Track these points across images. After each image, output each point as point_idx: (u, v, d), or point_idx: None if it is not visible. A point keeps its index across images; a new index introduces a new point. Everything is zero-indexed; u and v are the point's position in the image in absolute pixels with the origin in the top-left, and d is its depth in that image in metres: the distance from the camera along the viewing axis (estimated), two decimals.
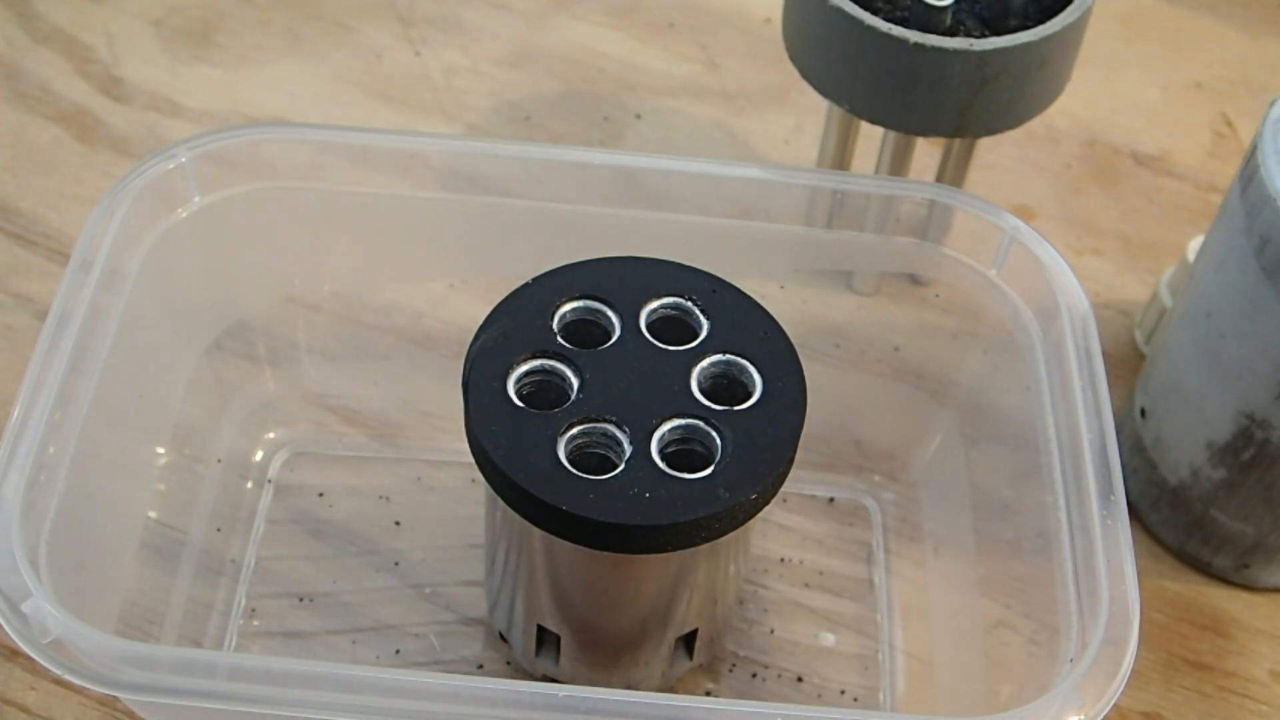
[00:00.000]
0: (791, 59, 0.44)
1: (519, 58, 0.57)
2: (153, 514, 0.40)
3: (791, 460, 0.34)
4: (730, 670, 0.41)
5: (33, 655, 0.31)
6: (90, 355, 0.36)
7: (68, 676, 0.31)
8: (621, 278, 0.37)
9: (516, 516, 0.34)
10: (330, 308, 0.45)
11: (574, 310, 0.36)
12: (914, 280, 0.44)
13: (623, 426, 0.34)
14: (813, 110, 0.55)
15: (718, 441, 0.34)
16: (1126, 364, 0.49)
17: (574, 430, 0.34)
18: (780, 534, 0.44)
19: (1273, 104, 0.38)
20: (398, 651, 0.41)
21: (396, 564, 0.43)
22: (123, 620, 0.37)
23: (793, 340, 0.36)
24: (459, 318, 0.46)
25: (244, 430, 0.45)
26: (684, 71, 0.57)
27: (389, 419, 0.46)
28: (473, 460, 0.34)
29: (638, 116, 0.55)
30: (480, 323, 0.36)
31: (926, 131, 0.43)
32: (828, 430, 0.44)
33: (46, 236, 0.50)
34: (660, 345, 0.36)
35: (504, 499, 0.34)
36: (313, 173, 0.40)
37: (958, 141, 0.46)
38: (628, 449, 0.33)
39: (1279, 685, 0.43)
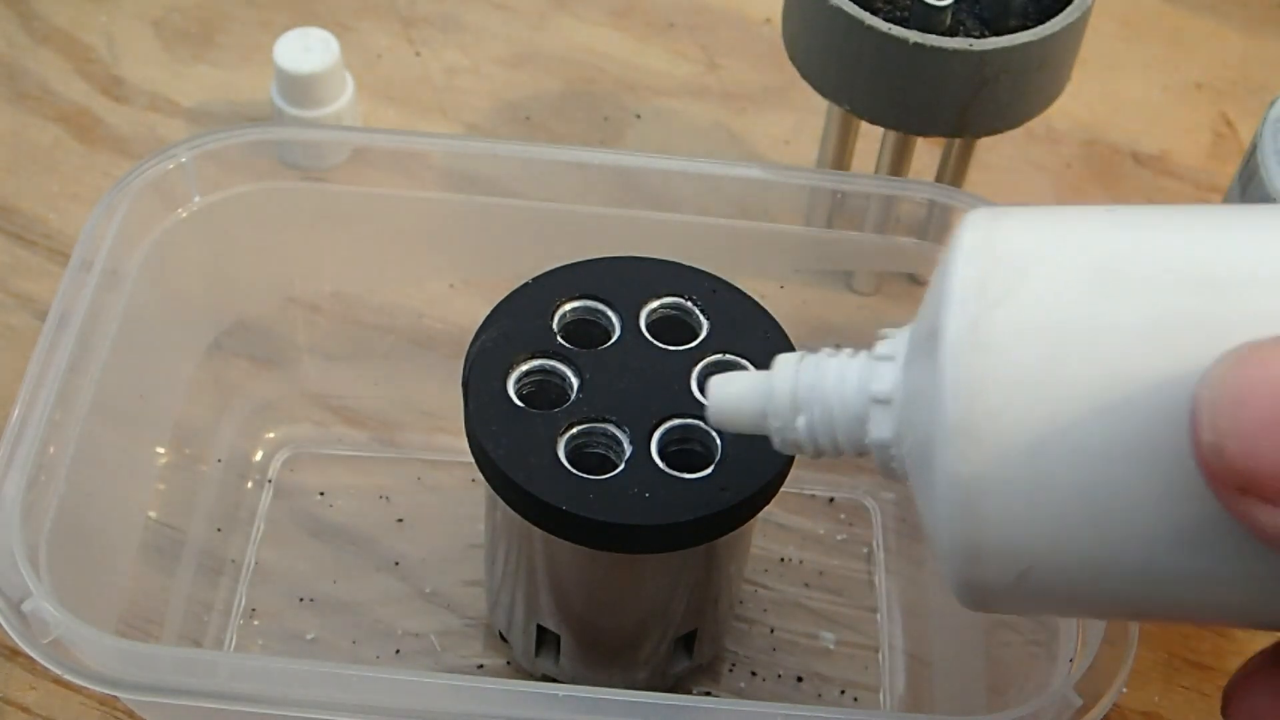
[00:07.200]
0: (791, 59, 0.44)
1: (519, 58, 0.57)
2: (153, 514, 0.40)
3: (791, 460, 0.34)
4: (730, 670, 0.41)
5: (33, 655, 0.31)
6: (90, 355, 0.36)
7: (68, 676, 0.31)
8: (621, 278, 0.37)
9: (516, 516, 0.34)
10: (330, 308, 0.45)
11: (574, 310, 0.36)
12: (914, 280, 0.44)
13: (623, 426, 0.34)
14: (813, 110, 0.54)
15: (718, 441, 0.34)
16: None
17: (574, 430, 0.34)
18: (780, 534, 0.44)
19: (1273, 104, 0.38)
20: (398, 651, 0.41)
21: (397, 564, 0.43)
22: (123, 620, 0.37)
23: (793, 340, 0.36)
24: (459, 318, 0.46)
25: (244, 430, 0.45)
26: (684, 71, 0.57)
27: (389, 419, 0.46)
28: (473, 460, 0.34)
29: (638, 116, 0.55)
30: (480, 323, 0.36)
31: (926, 131, 0.43)
32: None
33: (46, 236, 0.50)
34: (660, 345, 0.36)
35: (504, 499, 0.34)
36: (313, 173, 0.40)
37: (958, 141, 0.46)
38: (628, 449, 0.33)
39: None
